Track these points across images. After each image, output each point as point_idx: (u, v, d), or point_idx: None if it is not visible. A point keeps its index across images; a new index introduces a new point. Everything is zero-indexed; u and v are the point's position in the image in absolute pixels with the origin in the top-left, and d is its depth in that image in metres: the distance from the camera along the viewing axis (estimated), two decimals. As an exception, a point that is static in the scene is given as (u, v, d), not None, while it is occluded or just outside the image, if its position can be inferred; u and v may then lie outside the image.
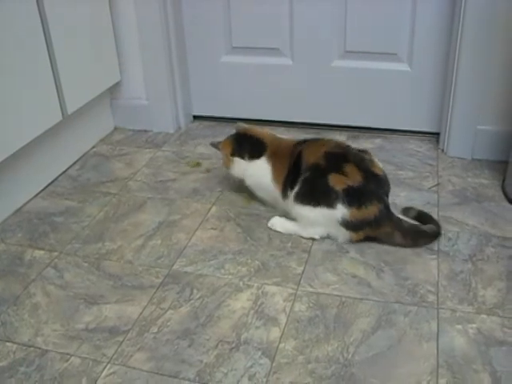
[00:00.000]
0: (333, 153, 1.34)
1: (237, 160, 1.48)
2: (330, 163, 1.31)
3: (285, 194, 1.39)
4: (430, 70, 1.76)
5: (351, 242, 1.35)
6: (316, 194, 1.31)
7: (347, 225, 1.31)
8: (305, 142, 1.41)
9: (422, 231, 1.35)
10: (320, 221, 1.33)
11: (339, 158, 1.33)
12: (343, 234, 1.34)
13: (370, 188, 1.30)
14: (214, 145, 1.56)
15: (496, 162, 1.68)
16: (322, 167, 1.31)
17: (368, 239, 1.35)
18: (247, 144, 1.48)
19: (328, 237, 1.38)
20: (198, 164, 1.76)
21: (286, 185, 1.38)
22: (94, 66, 1.80)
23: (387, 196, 1.34)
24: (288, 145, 1.43)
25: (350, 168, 1.30)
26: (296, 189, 1.34)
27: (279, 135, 1.52)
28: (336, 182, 1.29)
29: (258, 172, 1.45)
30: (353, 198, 1.28)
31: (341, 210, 1.29)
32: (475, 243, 1.36)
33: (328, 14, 1.77)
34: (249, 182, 1.50)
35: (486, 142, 1.70)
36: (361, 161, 1.33)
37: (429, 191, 1.57)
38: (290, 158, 1.38)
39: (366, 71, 1.82)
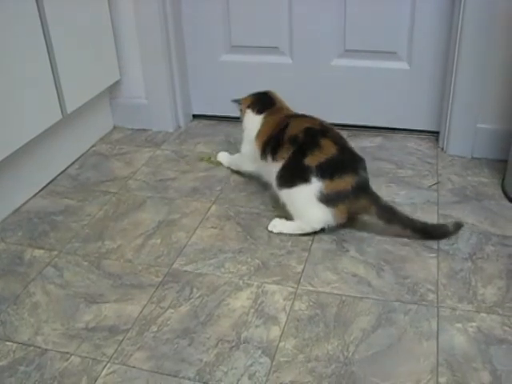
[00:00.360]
0: (313, 128, 1.38)
1: (248, 112, 1.56)
2: (307, 137, 1.36)
3: (264, 156, 1.45)
4: (429, 68, 1.76)
5: (338, 222, 1.36)
6: (293, 175, 1.35)
7: (325, 199, 1.31)
8: (296, 116, 1.49)
9: (397, 215, 1.33)
10: (301, 200, 1.35)
11: (317, 132, 1.37)
12: (327, 215, 1.34)
13: (343, 159, 1.33)
14: (236, 100, 1.63)
15: (496, 161, 1.68)
16: (299, 140, 1.36)
17: (355, 228, 1.38)
18: (262, 101, 1.57)
19: (327, 227, 1.37)
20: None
21: (266, 149, 1.44)
22: (94, 65, 1.80)
23: (365, 172, 1.36)
24: (284, 115, 1.50)
25: (325, 142, 1.34)
26: (277, 175, 1.39)
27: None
28: (311, 160, 1.32)
29: (252, 125, 1.53)
30: (326, 170, 1.31)
31: (315, 184, 1.31)
32: (475, 242, 1.36)
33: (327, 12, 1.77)
34: (244, 134, 1.58)
35: (486, 140, 1.70)
36: (339, 138, 1.38)
37: (428, 190, 1.57)
38: (278, 125, 1.45)
39: (365, 70, 1.82)
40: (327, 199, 1.32)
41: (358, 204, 1.33)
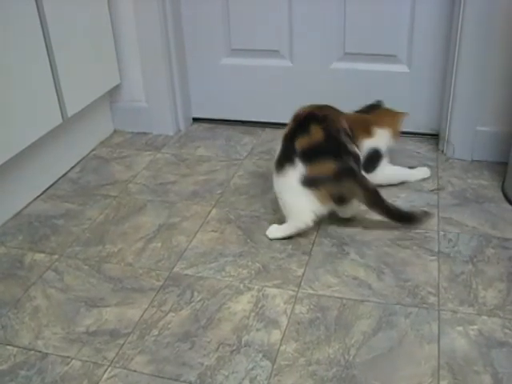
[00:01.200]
0: (312, 114, 1.40)
1: None
2: (304, 121, 1.38)
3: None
4: (429, 71, 1.76)
5: (326, 209, 1.35)
6: (284, 158, 1.35)
7: (306, 182, 1.32)
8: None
9: (380, 200, 1.34)
10: (288, 189, 1.35)
11: (312, 118, 1.38)
12: (312, 200, 1.33)
13: (327, 146, 1.33)
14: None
15: (496, 163, 1.68)
16: (298, 120, 1.39)
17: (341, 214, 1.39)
18: None
19: (318, 217, 1.36)
20: None
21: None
22: (94, 68, 1.80)
23: (358, 166, 1.37)
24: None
25: (314, 128, 1.35)
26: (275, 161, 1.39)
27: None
28: (299, 144, 1.34)
29: None
30: (308, 155, 1.32)
31: (299, 168, 1.32)
32: (475, 244, 1.36)
33: (327, 15, 1.77)
34: None
35: (486, 143, 1.70)
36: (328, 125, 1.37)
37: (428, 192, 1.57)
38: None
39: (365, 73, 1.82)
40: (306, 181, 1.32)
41: (341, 188, 1.33)
